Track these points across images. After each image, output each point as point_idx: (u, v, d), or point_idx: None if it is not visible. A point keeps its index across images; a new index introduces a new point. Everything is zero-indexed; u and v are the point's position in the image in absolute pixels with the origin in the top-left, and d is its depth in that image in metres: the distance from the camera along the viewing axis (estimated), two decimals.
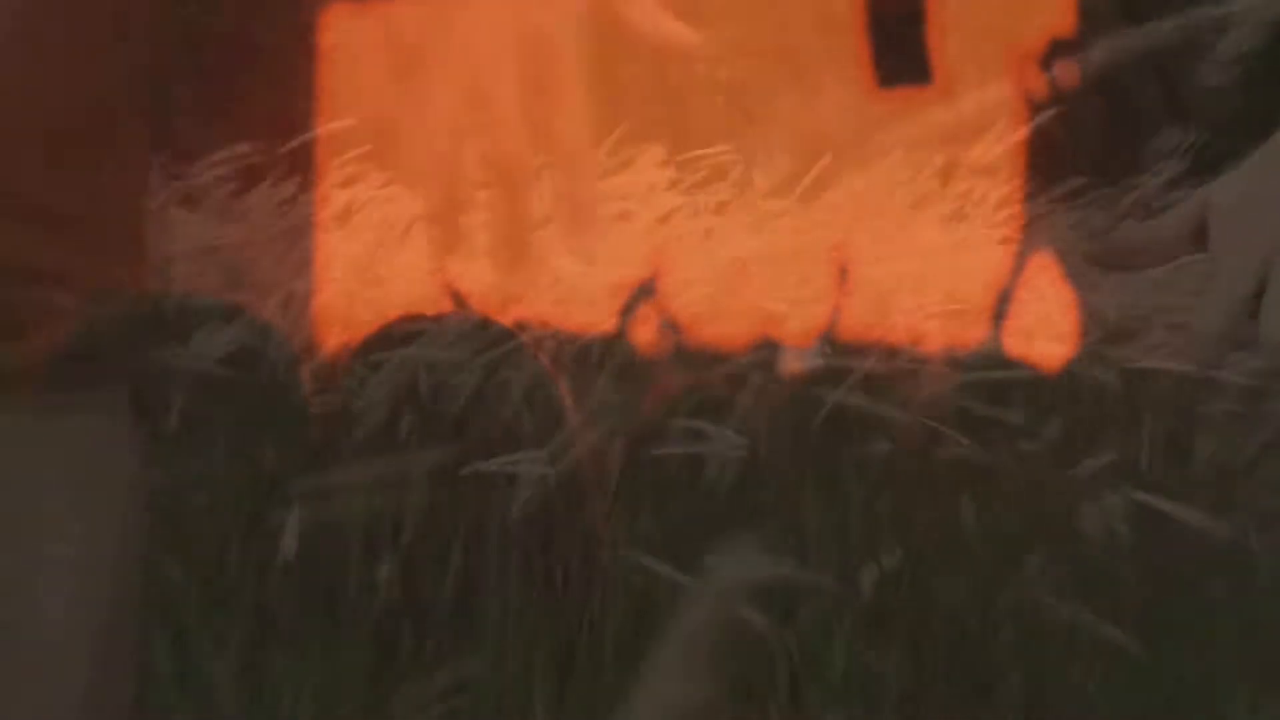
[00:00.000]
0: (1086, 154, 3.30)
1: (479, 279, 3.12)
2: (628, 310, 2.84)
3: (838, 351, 2.84)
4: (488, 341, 2.43)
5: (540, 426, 2.08)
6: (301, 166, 3.34)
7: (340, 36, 3.82)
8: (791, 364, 2.78)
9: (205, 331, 2.38)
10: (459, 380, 2.28)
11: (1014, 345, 2.95)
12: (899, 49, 3.37)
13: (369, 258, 3.03)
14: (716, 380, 2.62)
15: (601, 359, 2.74)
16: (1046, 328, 3.08)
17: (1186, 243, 2.71)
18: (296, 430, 2.07)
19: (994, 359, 2.81)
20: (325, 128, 3.48)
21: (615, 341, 2.90)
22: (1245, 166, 2.67)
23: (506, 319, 2.92)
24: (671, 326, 2.90)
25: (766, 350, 2.80)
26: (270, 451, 1.94)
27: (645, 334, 2.89)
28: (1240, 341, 2.61)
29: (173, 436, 1.90)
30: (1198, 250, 2.73)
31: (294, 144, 3.21)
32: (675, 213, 3.56)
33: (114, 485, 1.06)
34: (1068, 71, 3.25)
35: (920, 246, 3.35)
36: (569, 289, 3.25)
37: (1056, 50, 3.36)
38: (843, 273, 2.99)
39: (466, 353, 2.42)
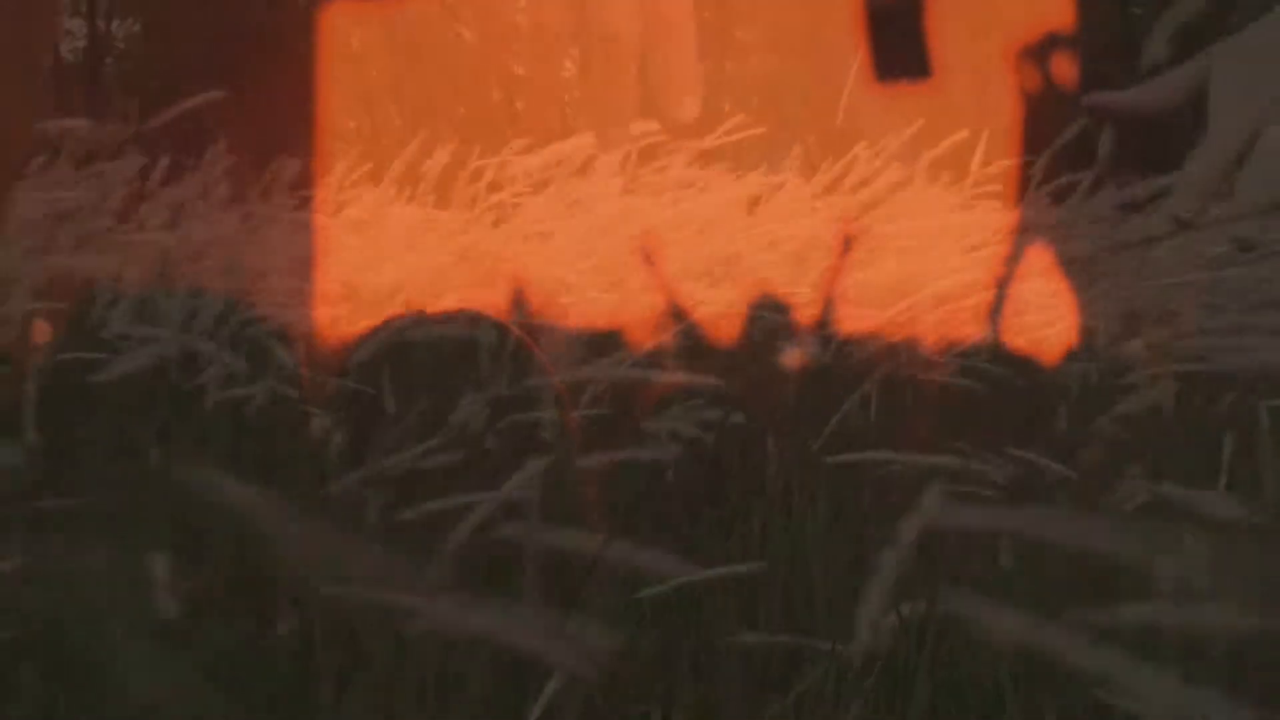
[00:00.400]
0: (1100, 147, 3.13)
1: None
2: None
3: (837, 344, 2.67)
4: (484, 337, 2.23)
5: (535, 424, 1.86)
6: (304, 160, 3.16)
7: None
8: (793, 356, 2.65)
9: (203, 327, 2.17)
10: (453, 380, 2.07)
11: (1012, 340, 2.78)
12: (897, 42, 3.18)
13: (370, 252, 2.84)
14: (718, 375, 2.40)
15: (602, 353, 2.54)
16: (1044, 322, 2.89)
17: (1186, 97, 2.64)
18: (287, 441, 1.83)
19: (993, 354, 2.63)
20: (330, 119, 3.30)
21: (615, 335, 2.71)
22: (1249, 29, 2.59)
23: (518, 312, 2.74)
24: (681, 316, 2.73)
25: (769, 342, 2.63)
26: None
27: (650, 327, 2.72)
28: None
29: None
30: (1197, 105, 2.66)
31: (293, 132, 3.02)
32: (697, 204, 3.38)
33: None
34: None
35: (922, 239, 3.17)
36: (573, 284, 3.05)
37: (1053, 43, 3.17)
38: (847, 241, 2.86)
39: (462, 349, 2.23)
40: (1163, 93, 2.62)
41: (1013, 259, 3.07)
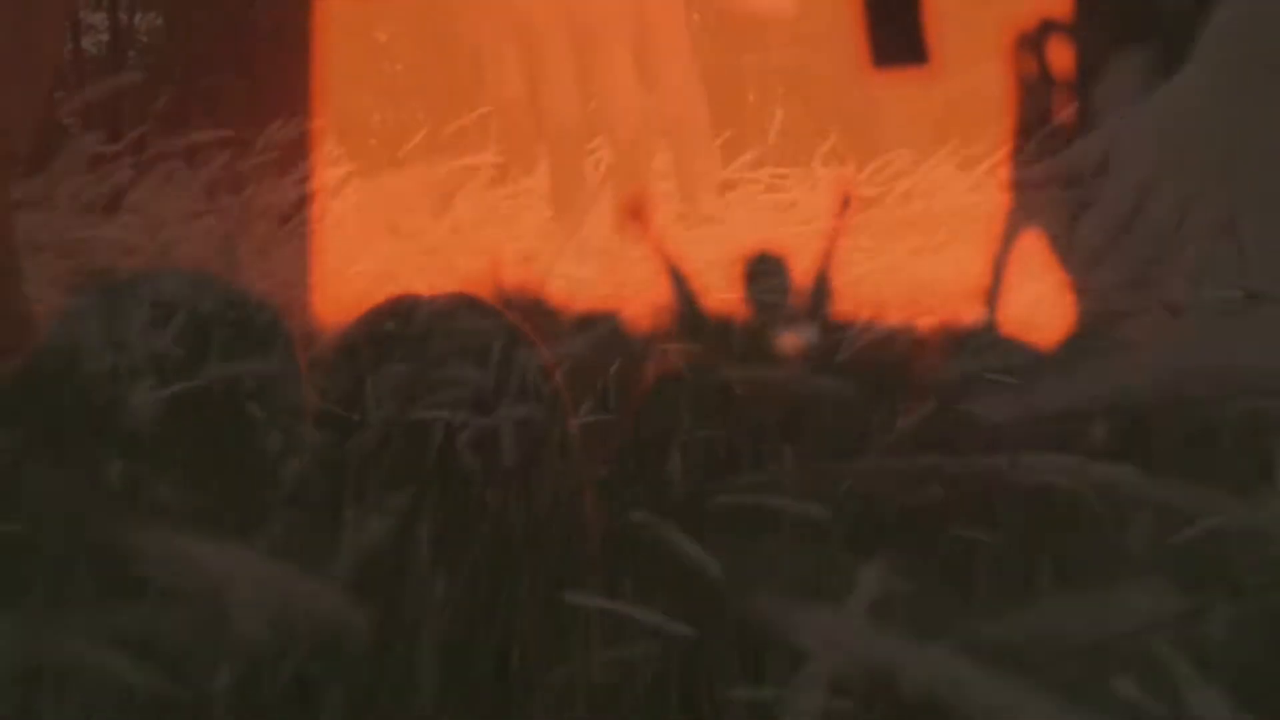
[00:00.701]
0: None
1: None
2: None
3: (834, 328, 2.54)
4: (478, 321, 2.10)
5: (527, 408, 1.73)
6: (301, 148, 3.05)
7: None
8: (790, 340, 2.54)
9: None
10: (445, 364, 1.94)
11: (1009, 324, 2.64)
12: (895, 27, 3.04)
13: (364, 240, 2.71)
14: (716, 359, 2.27)
15: (603, 336, 2.41)
16: (1041, 305, 2.76)
17: (1095, 168, 2.62)
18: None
19: (991, 338, 2.50)
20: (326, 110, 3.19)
21: (616, 318, 2.58)
22: (1147, 100, 2.55)
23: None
24: (677, 277, 2.60)
25: (767, 325, 2.50)
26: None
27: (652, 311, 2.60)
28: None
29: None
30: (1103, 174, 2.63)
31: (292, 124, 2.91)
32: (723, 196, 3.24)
33: None
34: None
35: (919, 223, 3.04)
36: (580, 272, 2.91)
37: (1049, 28, 3.04)
38: (845, 201, 2.75)
39: (456, 333, 2.09)
40: (1077, 160, 2.61)
41: (1007, 245, 2.95)
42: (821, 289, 2.65)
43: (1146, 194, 2.44)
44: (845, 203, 2.76)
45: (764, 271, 2.71)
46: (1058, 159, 2.77)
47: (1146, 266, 2.44)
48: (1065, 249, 2.66)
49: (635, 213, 2.79)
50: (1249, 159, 2.42)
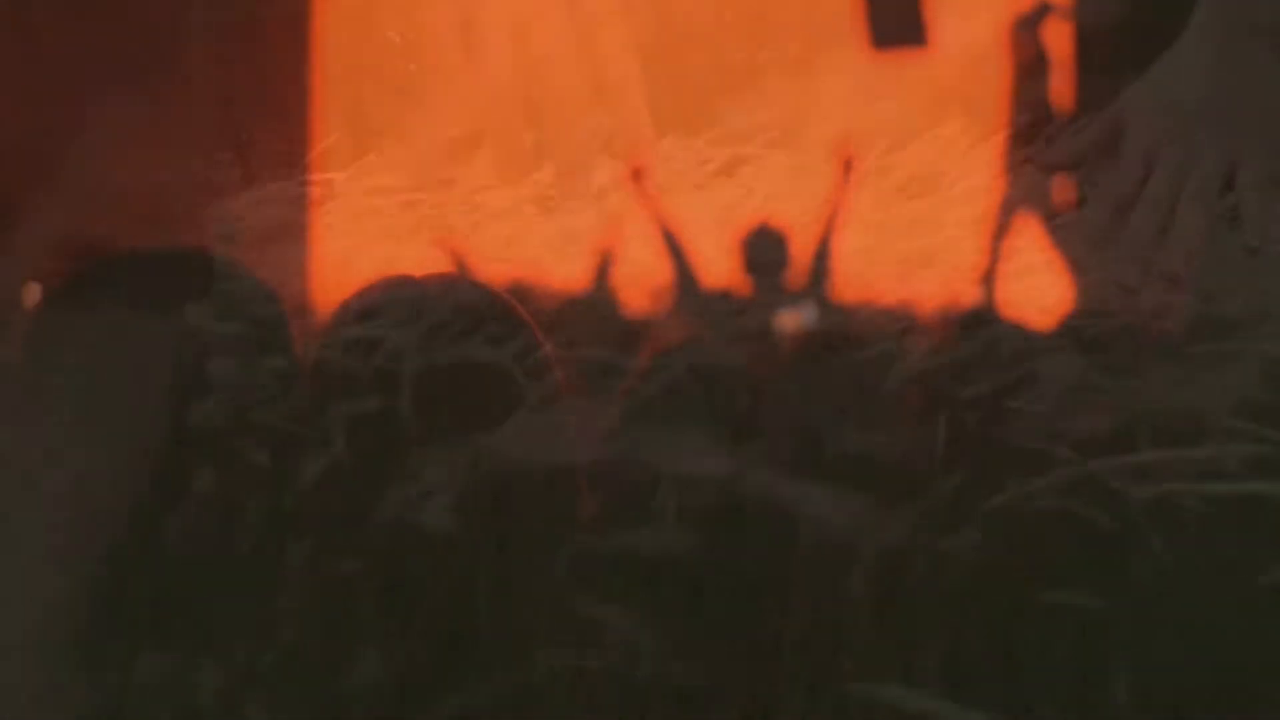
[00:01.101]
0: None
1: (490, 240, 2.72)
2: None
3: (834, 314, 2.46)
4: (472, 303, 2.00)
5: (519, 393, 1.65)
6: (297, 133, 2.96)
7: None
8: (788, 324, 2.45)
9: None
10: (433, 346, 1.86)
11: (1007, 307, 2.55)
12: (894, 7, 2.94)
13: (360, 223, 2.62)
14: (715, 342, 2.19)
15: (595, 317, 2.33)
16: (1037, 287, 2.66)
17: (1109, 145, 2.52)
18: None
19: (989, 322, 2.41)
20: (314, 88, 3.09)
21: (609, 299, 2.49)
22: (1153, 69, 2.46)
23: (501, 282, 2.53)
24: (671, 239, 2.52)
25: (765, 309, 2.41)
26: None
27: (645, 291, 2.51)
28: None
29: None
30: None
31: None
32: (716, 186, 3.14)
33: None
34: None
35: (916, 209, 2.94)
36: (566, 247, 2.82)
37: (1049, 8, 2.93)
38: (847, 166, 2.66)
39: (448, 315, 2.00)
40: (1088, 139, 2.56)
41: (999, 226, 2.86)
42: (822, 260, 2.57)
43: (1152, 163, 2.37)
44: (846, 168, 2.66)
45: (764, 244, 2.62)
46: (1064, 141, 2.68)
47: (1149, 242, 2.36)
48: (1068, 228, 2.57)
49: (635, 173, 2.69)
50: (1244, 122, 2.35)
